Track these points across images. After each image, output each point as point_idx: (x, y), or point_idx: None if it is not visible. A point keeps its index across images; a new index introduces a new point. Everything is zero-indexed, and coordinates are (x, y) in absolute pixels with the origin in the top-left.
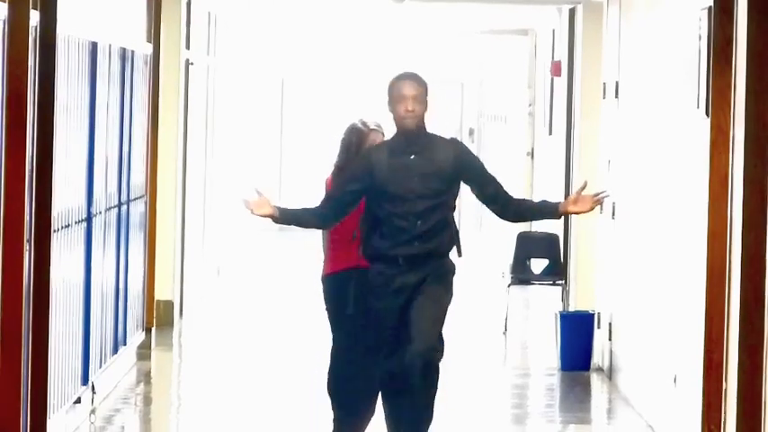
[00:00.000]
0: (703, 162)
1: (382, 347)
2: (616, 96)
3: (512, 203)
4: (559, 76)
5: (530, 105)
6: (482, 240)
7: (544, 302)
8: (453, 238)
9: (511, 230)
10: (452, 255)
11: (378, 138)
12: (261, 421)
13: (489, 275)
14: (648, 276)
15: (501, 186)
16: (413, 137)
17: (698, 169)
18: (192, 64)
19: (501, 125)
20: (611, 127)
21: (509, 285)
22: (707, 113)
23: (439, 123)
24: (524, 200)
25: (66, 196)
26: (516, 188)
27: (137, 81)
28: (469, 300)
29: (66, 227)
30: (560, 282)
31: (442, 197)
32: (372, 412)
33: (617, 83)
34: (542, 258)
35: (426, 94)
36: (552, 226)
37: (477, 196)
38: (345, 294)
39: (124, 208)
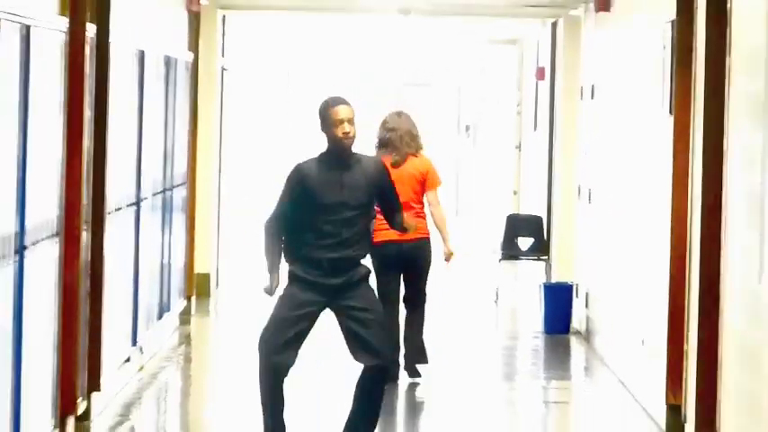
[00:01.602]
0: (667, 154)
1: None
2: (592, 97)
3: (393, 219)
4: (543, 79)
5: (518, 105)
6: (473, 224)
7: (530, 275)
8: (369, 246)
9: (497, 216)
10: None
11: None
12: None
13: (481, 254)
14: (620, 252)
15: (395, 205)
16: (344, 155)
17: (663, 160)
18: (226, 70)
19: (493, 122)
20: (587, 123)
21: (499, 260)
22: (670, 112)
23: (439, 122)
24: (395, 217)
25: (119, 184)
26: (507, 175)
27: (179, 84)
28: (465, 274)
29: (118, 210)
30: (544, 257)
31: (364, 208)
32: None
33: (593, 86)
34: (528, 237)
35: (355, 117)
36: (536, 209)
37: (380, 206)
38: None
39: (168, 193)
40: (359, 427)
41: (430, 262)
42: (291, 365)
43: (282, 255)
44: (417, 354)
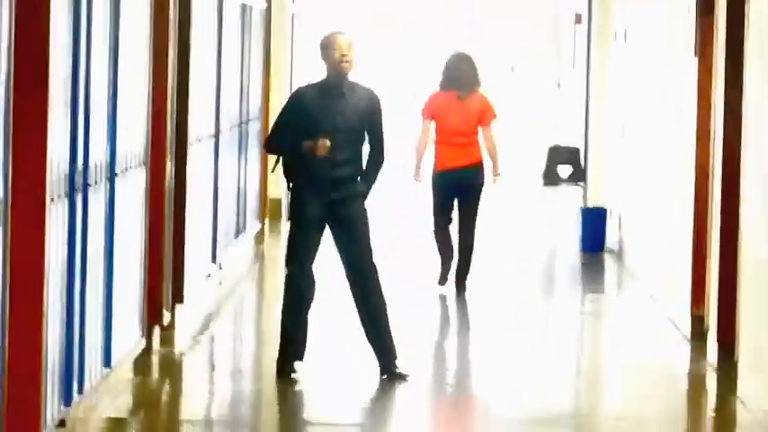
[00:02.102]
0: (692, 90)
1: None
2: (625, 40)
3: (371, 155)
4: (580, 24)
5: (558, 48)
6: (518, 154)
7: (568, 200)
8: (361, 165)
9: (540, 147)
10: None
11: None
12: (343, 289)
13: (525, 181)
14: (649, 179)
15: (379, 142)
16: (341, 82)
17: (688, 96)
18: (296, 16)
19: (535, 63)
20: (620, 64)
21: (542, 187)
22: (696, 53)
23: (488, 62)
24: (373, 161)
25: (200, 117)
26: (548, 110)
27: (254, 29)
28: (510, 199)
29: (199, 141)
30: (581, 184)
31: (356, 133)
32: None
33: (625, 30)
34: (567, 166)
35: (354, 48)
36: (575, 140)
37: (367, 136)
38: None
39: (244, 126)
40: (372, 321)
41: (482, 185)
42: (314, 284)
43: (284, 174)
44: (466, 273)
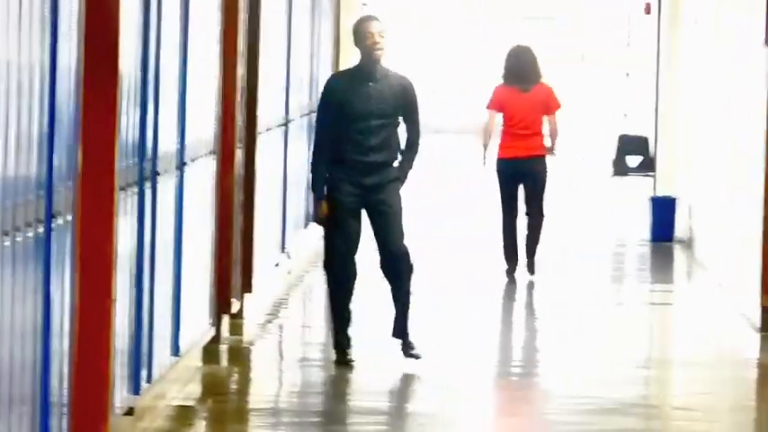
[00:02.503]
0: (762, 78)
1: (345, 236)
2: (694, 28)
3: (407, 141)
4: (650, 14)
5: (628, 37)
6: (587, 144)
7: (638, 190)
8: (397, 150)
9: (609, 136)
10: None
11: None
12: (418, 277)
13: (594, 171)
14: (719, 169)
15: (415, 128)
16: (374, 68)
17: (758, 86)
18: (365, 5)
19: (605, 53)
20: (689, 53)
21: (611, 176)
22: (765, 42)
23: (561, 50)
24: (409, 146)
25: (269, 107)
26: (618, 100)
27: (324, 16)
28: (579, 189)
29: (268, 130)
30: (651, 173)
31: (390, 118)
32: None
33: (695, 19)
34: (636, 155)
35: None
36: (644, 130)
37: (403, 121)
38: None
39: (314, 115)
40: (396, 308)
41: (546, 176)
42: (356, 274)
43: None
44: (533, 257)
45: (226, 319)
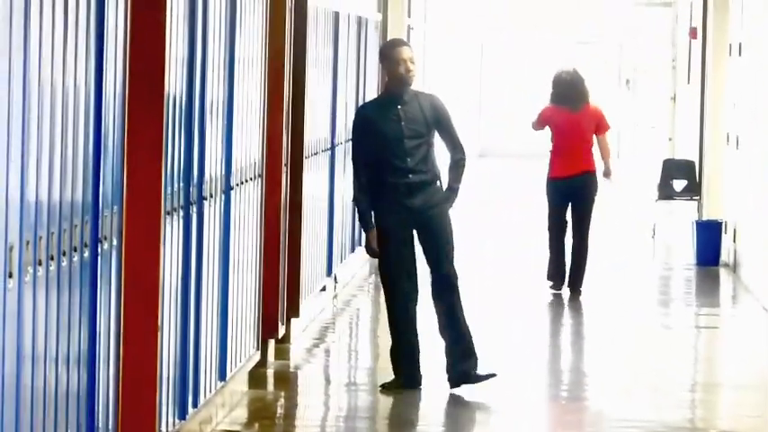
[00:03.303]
0: None
1: (400, 259)
2: (740, 54)
3: (451, 159)
4: (696, 38)
5: (673, 61)
6: (632, 168)
7: (683, 214)
8: (437, 169)
9: (654, 160)
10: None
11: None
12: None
13: (640, 195)
14: (764, 193)
15: (455, 143)
16: (403, 91)
17: None
18: (412, 29)
19: (651, 77)
20: (735, 77)
21: (656, 200)
22: None
23: (600, 77)
24: (453, 163)
25: (316, 130)
26: (663, 124)
27: (370, 42)
28: (625, 213)
29: (314, 154)
30: (696, 197)
31: (424, 137)
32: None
33: (740, 43)
34: (682, 179)
35: None
36: (690, 154)
37: (442, 139)
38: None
39: None
40: (446, 336)
41: (596, 192)
42: (417, 298)
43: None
44: (579, 278)
45: (272, 344)
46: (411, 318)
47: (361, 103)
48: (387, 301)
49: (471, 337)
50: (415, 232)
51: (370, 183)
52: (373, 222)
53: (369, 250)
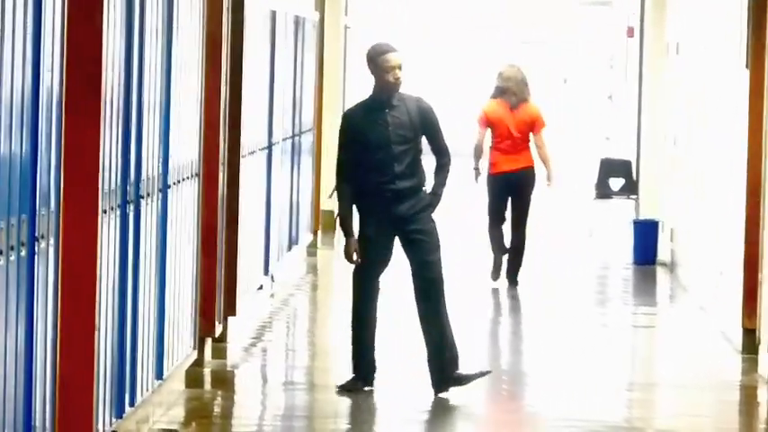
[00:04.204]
0: (744, 104)
1: (375, 264)
2: (677, 53)
3: (437, 164)
4: (632, 37)
5: (610, 60)
6: (569, 166)
7: (620, 213)
8: (423, 176)
9: (591, 159)
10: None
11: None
12: (400, 301)
13: (576, 193)
14: (701, 192)
15: (441, 147)
16: (390, 96)
17: (740, 109)
18: (349, 28)
19: (588, 76)
20: (672, 76)
21: (594, 199)
22: (747, 66)
23: (541, 74)
24: (438, 168)
25: (253, 130)
26: (600, 123)
27: (307, 41)
28: (562, 212)
29: (251, 153)
30: (633, 196)
31: (412, 143)
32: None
33: (678, 43)
34: (619, 178)
35: None
36: (626, 153)
37: (428, 143)
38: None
39: (297, 138)
40: (431, 341)
41: (533, 187)
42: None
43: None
44: (516, 270)
45: (209, 343)
46: (375, 318)
47: (297, 101)
48: (355, 300)
49: (454, 340)
50: (397, 238)
51: (355, 188)
52: (353, 229)
53: (347, 257)
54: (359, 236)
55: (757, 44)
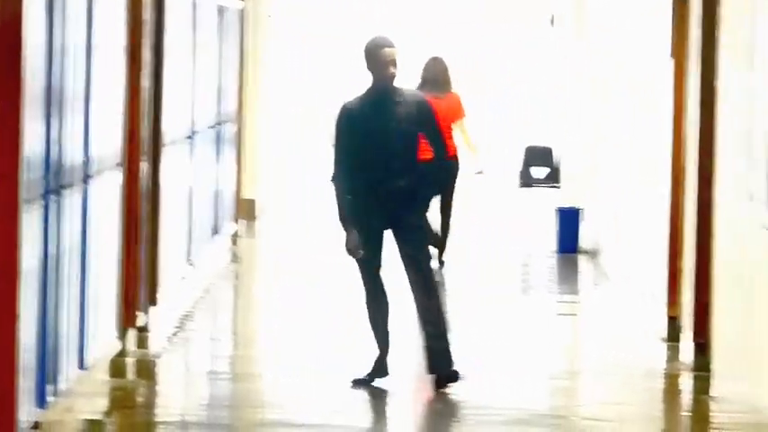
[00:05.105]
0: (667, 93)
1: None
2: (600, 42)
3: (435, 150)
4: (555, 25)
5: (533, 49)
6: (494, 155)
7: (545, 201)
8: (418, 173)
9: (516, 148)
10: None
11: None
12: (322, 291)
13: (501, 182)
14: (624, 181)
15: (437, 142)
16: (389, 91)
17: (663, 99)
18: (271, 17)
19: (512, 63)
20: (594, 65)
21: (518, 188)
22: (671, 55)
23: (466, 64)
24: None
25: (175, 119)
26: (524, 111)
27: (229, 30)
28: (486, 201)
29: (174, 143)
30: (556, 185)
31: (410, 140)
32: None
33: (601, 31)
34: (543, 167)
35: None
36: (549, 141)
37: (425, 137)
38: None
39: (219, 128)
40: (422, 303)
41: (457, 175)
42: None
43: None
44: (442, 252)
45: (132, 333)
46: (384, 315)
47: (220, 90)
48: (368, 296)
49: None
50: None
51: (351, 182)
52: (353, 223)
53: (349, 251)
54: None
55: (681, 33)
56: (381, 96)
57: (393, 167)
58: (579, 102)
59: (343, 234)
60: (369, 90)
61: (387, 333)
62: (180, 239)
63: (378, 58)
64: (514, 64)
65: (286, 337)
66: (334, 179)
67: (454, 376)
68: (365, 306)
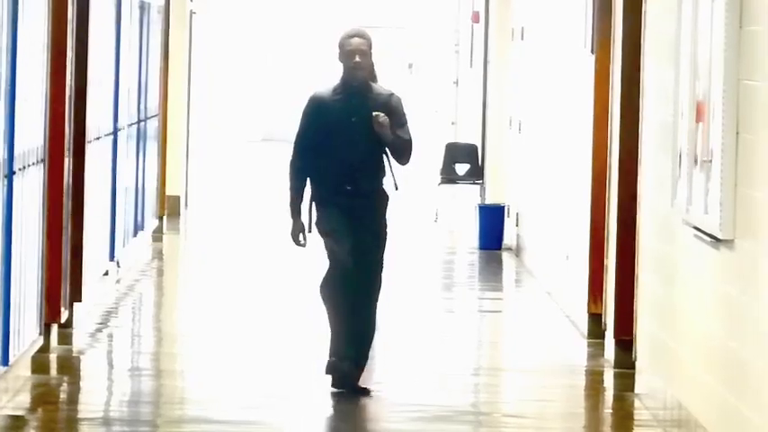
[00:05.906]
0: (589, 89)
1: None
2: (522, 38)
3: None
4: (478, 22)
5: (455, 45)
6: (415, 152)
7: (467, 197)
8: (385, 170)
9: (437, 144)
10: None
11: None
12: (246, 288)
13: (422, 178)
14: (546, 177)
15: (404, 134)
16: (356, 85)
17: (585, 95)
18: (194, 13)
19: (433, 61)
20: (517, 62)
21: (439, 184)
22: (592, 51)
23: (385, 59)
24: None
25: (98, 115)
26: (446, 108)
27: (152, 26)
28: (407, 197)
29: (97, 139)
30: (479, 181)
31: (374, 136)
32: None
33: (522, 28)
34: (465, 163)
35: (371, 49)
36: (472, 138)
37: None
38: None
39: (143, 124)
40: (351, 329)
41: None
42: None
43: (309, 182)
44: None
45: (55, 329)
46: (350, 312)
47: (143, 87)
48: (329, 287)
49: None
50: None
51: (312, 174)
52: (301, 211)
53: (293, 238)
54: (320, 230)
55: (603, 29)
56: (349, 87)
57: (355, 162)
58: (502, 98)
59: (289, 221)
60: (338, 82)
61: (345, 320)
62: (103, 236)
63: (343, 49)
64: (436, 61)
65: (208, 333)
66: (291, 164)
67: (363, 392)
68: (321, 286)
